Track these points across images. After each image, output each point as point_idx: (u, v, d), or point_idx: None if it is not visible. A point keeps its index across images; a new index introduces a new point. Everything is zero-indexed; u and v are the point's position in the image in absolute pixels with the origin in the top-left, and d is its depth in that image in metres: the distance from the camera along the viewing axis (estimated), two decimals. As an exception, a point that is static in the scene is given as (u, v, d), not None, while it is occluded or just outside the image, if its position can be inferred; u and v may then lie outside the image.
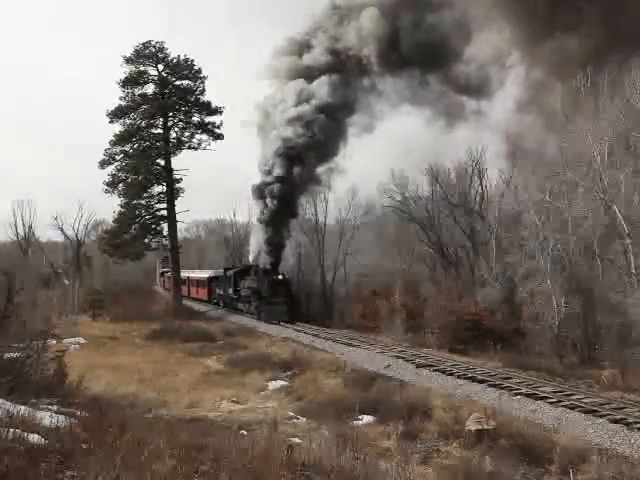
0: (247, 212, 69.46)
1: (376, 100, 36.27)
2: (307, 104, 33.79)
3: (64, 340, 20.48)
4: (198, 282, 48.97)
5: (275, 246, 34.00)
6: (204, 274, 47.74)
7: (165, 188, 38.93)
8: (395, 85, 35.53)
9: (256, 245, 37.52)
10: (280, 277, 32.65)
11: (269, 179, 34.25)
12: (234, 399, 14.56)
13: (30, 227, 51.91)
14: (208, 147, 39.27)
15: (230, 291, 38.24)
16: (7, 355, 10.21)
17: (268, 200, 34.00)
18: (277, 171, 33.79)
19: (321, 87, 34.32)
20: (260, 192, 35.01)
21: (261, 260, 35.64)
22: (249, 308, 34.77)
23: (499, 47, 32.66)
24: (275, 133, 34.74)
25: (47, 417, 7.06)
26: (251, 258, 39.16)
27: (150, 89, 38.70)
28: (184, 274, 51.10)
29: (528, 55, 32.22)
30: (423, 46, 31.85)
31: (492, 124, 33.23)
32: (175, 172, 38.76)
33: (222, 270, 41.95)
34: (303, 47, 36.49)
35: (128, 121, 38.08)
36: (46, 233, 57.71)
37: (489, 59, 33.05)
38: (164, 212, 39.25)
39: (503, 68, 33.59)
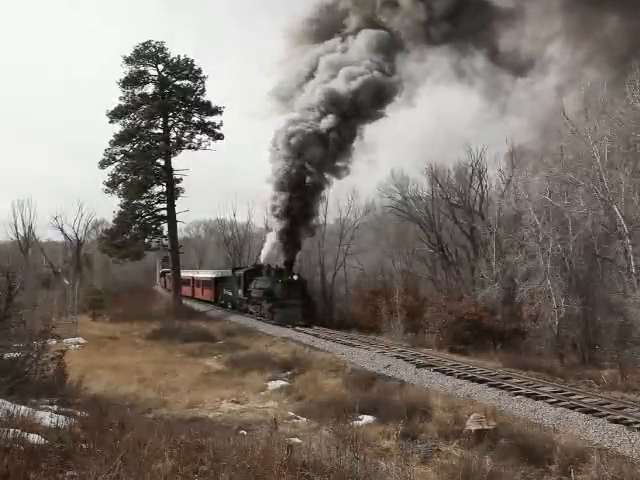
0: (247, 212, 69.48)
1: (419, 69, 33.53)
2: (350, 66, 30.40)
3: (64, 340, 20.47)
4: (204, 282, 46.90)
5: (291, 242, 31.11)
6: (210, 274, 45.67)
7: (165, 188, 38.91)
8: (439, 56, 33.28)
9: (270, 242, 35.01)
10: (295, 277, 30.42)
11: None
12: (234, 399, 14.56)
13: (30, 227, 51.89)
14: (208, 147, 39.24)
15: (239, 292, 35.96)
16: (7, 355, 10.23)
17: (292, 163, 30.04)
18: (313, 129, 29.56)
19: (363, 41, 31.19)
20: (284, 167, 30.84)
21: (274, 259, 33.44)
22: (260, 310, 32.40)
23: (549, 23, 31.14)
24: (315, 90, 30.65)
25: (47, 417, 7.08)
26: (263, 257, 36.63)
27: (150, 89, 38.73)
28: (188, 274, 50.11)
29: (573, 33, 30.91)
30: (465, 21, 30.06)
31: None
32: (175, 172, 38.78)
33: (230, 270, 39.99)
34: (328, 34, 33.87)
35: (128, 121, 38.10)
36: (46, 233, 57.56)
37: (536, 37, 31.53)
38: (164, 212, 39.23)
39: (549, 46, 32.04)
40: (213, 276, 44.07)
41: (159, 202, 39.25)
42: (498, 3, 31.25)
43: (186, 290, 48.36)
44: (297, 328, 28.32)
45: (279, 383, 16.85)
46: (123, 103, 37.90)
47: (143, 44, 37.68)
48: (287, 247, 31.35)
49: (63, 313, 28.34)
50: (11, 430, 5.48)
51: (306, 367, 18.98)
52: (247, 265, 40.93)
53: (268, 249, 35.73)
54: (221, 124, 38.99)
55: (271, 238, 34.64)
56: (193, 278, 49.53)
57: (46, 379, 11.02)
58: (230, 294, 38.91)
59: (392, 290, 28.17)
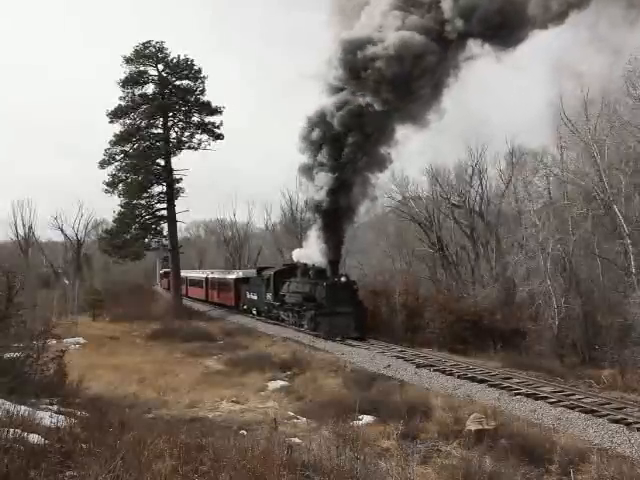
0: (247, 212, 69.58)
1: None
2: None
3: (64, 340, 20.49)
4: (220, 284, 41.67)
5: (336, 237, 26.17)
6: (230, 275, 40.35)
7: (165, 188, 38.91)
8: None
9: (308, 240, 29.74)
10: (343, 279, 25.09)
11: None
12: (234, 399, 14.56)
13: (30, 227, 52.06)
14: (208, 147, 39.24)
15: (268, 297, 30.60)
16: (7, 355, 10.23)
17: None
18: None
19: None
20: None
21: (315, 257, 27.67)
22: (298, 319, 27.19)
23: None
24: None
25: (47, 417, 7.08)
26: (296, 255, 30.83)
27: (150, 89, 38.72)
28: (200, 274, 48.12)
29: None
30: None
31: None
32: (175, 172, 38.77)
33: (254, 270, 35.56)
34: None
35: (128, 121, 38.03)
36: (46, 233, 57.74)
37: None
38: (164, 212, 39.21)
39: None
40: (233, 277, 38.95)
41: (159, 202, 39.21)
42: None
43: (198, 292, 46.43)
44: (297, 327, 27.32)
45: (279, 383, 16.84)
46: (123, 103, 37.86)
47: (143, 44, 37.67)
48: (331, 244, 26.27)
49: (63, 313, 28.39)
50: (11, 430, 5.48)
51: (306, 367, 18.96)
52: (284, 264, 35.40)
53: (307, 248, 29.85)
54: (221, 124, 38.96)
55: (311, 236, 29.41)
56: (207, 279, 45.05)
57: (46, 379, 11.01)
58: (255, 298, 33.51)
59: (392, 290, 28.14)
